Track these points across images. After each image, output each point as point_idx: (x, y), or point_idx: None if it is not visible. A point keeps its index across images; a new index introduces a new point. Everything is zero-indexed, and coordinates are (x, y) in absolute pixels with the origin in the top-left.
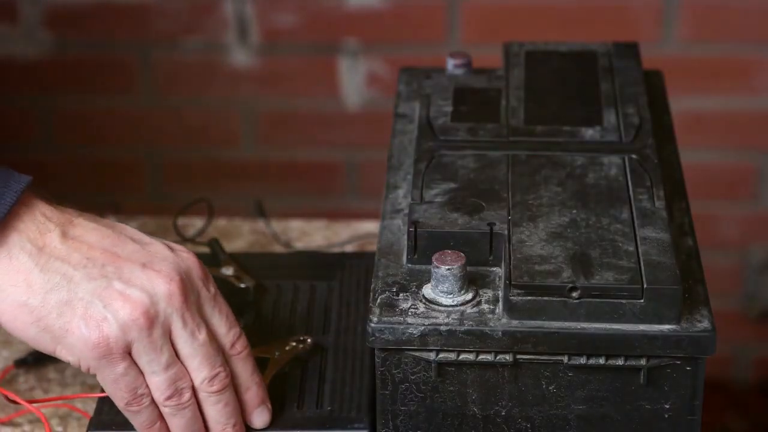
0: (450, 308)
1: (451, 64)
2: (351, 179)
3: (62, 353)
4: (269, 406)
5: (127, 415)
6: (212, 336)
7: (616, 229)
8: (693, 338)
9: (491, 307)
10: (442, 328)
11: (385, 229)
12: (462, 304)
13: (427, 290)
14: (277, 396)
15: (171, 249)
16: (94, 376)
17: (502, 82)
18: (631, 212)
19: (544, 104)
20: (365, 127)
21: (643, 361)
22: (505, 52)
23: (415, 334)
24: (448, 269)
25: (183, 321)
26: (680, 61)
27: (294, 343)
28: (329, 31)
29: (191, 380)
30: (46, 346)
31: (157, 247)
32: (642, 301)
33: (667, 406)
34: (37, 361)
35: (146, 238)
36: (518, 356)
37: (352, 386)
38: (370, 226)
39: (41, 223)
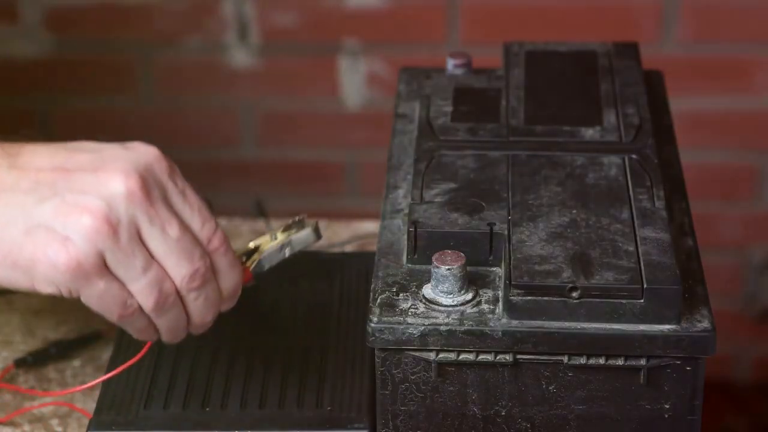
0: (450, 308)
1: (451, 64)
2: (351, 179)
3: (41, 286)
4: (239, 291)
5: (121, 325)
6: (186, 230)
7: (616, 229)
8: (693, 338)
9: (491, 307)
10: (442, 328)
11: (385, 229)
12: (462, 304)
13: (427, 290)
14: (277, 396)
15: (127, 148)
16: (94, 375)
17: (502, 82)
18: (631, 212)
19: (544, 104)
20: (365, 127)
21: (643, 361)
22: (505, 52)
23: (415, 334)
24: (448, 269)
25: (149, 219)
26: (680, 61)
27: (292, 228)
28: (329, 31)
29: (172, 279)
30: (22, 283)
31: (111, 150)
32: (642, 301)
33: (667, 406)
34: (37, 361)
35: (102, 146)
36: (518, 356)
37: (352, 386)
38: (370, 226)
39: None
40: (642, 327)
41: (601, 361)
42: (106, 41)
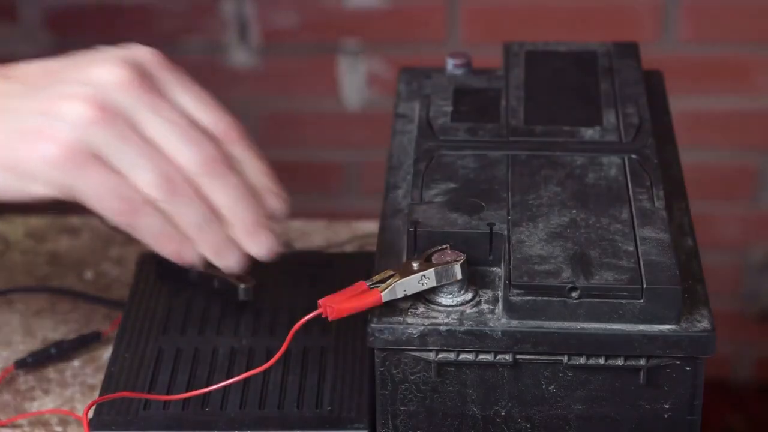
0: (450, 308)
1: (451, 64)
2: (351, 179)
3: (35, 188)
4: (284, 195)
5: (131, 231)
6: (191, 120)
7: (616, 229)
8: (693, 338)
9: (491, 307)
10: (442, 328)
11: (385, 229)
12: (462, 304)
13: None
14: (277, 396)
15: (119, 47)
16: (94, 375)
17: (502, 82)
18: (631, 212)
19: (544, 104)
20: (365, 127)
21: (642, 361)
22: (505, 52)
23: (414, 334)
24: None
25: (148, 105)
26: (680, 61)
27: (442, 258)
28: (329, 31)
29: (179, 164)
30: (17, 188)
31: (104, 51)
32: (642, 301)
33: (667, 406)
34: (37, 361)
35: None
36: (518, 356)
37: (352, 386)
38: (370, 226)
39: None
40: (642, 327)
41: (601, 361)
42: (106, 41)
